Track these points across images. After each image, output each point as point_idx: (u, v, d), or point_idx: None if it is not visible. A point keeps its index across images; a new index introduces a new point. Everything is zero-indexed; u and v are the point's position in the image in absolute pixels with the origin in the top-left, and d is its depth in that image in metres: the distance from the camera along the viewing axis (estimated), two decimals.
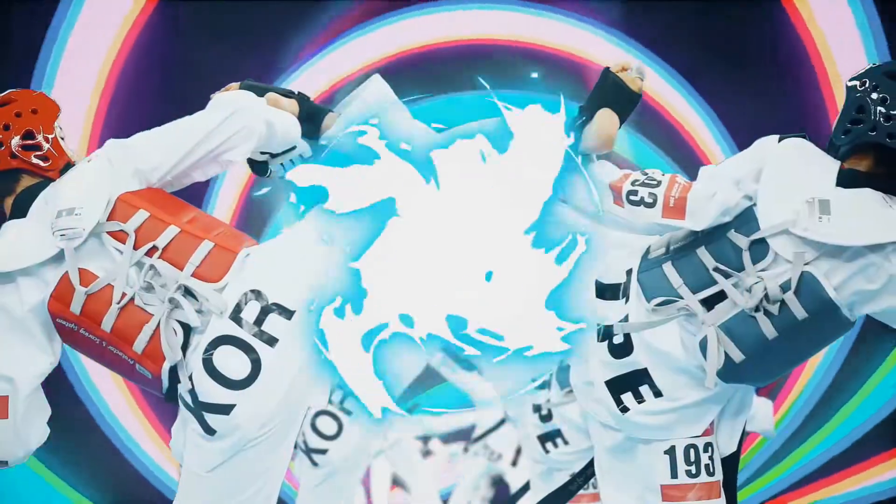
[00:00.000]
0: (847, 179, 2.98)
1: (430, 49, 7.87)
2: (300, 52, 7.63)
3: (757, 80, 7.45)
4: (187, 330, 2.97)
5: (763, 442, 7.10)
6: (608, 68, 3.25)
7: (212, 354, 2.94)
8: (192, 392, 2.96)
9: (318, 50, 7.70)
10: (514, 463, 7.90)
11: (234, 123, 3.08)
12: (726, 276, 3.02)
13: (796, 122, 7.15)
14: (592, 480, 3.50)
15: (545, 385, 5.26)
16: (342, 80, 7.56)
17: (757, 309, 2.98)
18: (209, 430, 2.97)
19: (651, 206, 3.10)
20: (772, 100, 7.36)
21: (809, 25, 7.54)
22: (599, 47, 7.61)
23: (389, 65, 7.67)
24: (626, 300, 3.16)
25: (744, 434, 3.24)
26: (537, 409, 5.23)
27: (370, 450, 6.55)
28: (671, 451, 3.12)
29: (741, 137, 7.32)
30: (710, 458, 3.13)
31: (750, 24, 7.57)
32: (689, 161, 7.36)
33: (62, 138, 3.17)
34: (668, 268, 3.10)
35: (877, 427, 7.40)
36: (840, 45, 7.45)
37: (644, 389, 3.12)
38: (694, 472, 3.12)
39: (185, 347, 2.96)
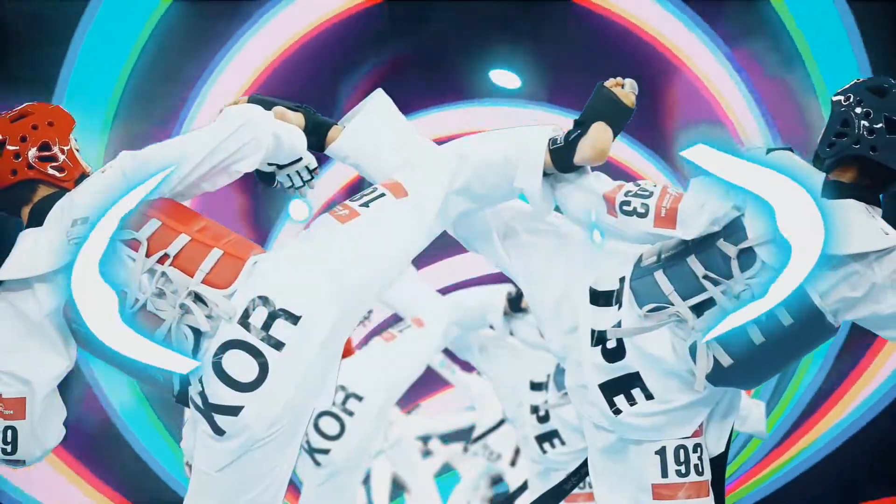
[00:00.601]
0: (831, 191, 3.05)
1: None
2: None
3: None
4: (197, 334, 3.02)
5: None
6: (602, 83, 3.31)
7: (221, 358, 2.99)
8: (202, 394, 3.02)
9: None
10: (513, 463, 7.93)
11: (242, 136, 3.13)
12: (715, 283, 3.09)
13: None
14: (588, 479, 3.57)
15: (543, 387, 5.33)
16: None
17: None
18: (218, 431, 3.03)
19: (643, 216, 3.16)
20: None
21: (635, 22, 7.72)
22: None
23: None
24: (619, 306, 3.23)
25: (732, 435, 3.32)
26: (535, 410, 5.26)
27: (371, 450, 6.58)
28: (662, 452, 3.20)
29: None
30: (700, 458, 3.21)
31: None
32: None
33: (77, 150, 3.23)
34: (660, 275, 3.18)
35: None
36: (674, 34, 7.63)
37: (636, 392, 3.19)
38: (684, 471, 3.19)
39: (195, 351, 3.02)
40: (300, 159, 3.34)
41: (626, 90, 3.30)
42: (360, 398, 5.21)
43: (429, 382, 7.71)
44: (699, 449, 3.22)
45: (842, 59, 6.66)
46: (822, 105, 6.54)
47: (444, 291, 5.73)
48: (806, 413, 7.59)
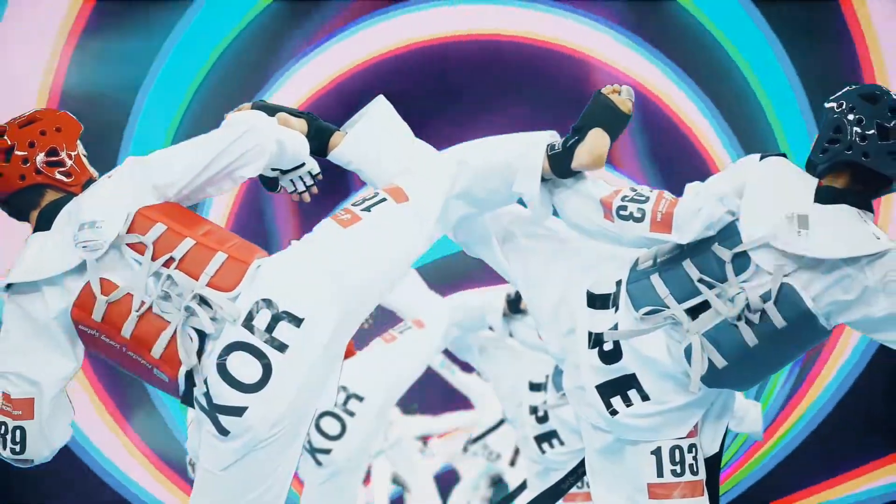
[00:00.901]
0: (825, 196, 3.10)
1: (433, 44, 8.01)
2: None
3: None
4: (202, 336, 3.06)
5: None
6: (600, 90, 3.36)
7: (225, 359, 3.04)
8: (207, 395, 3.06)
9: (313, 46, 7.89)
10: (513, 463, 7.95)
11: (246, 142, 3.17)
12: (710, 286, 3.13)
13: None
14: (585, 479, 3.61)
15: (542, 388, 5.37)
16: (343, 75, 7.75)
17: (739, 318, 3.09)
18: (223, 431, 3.08)
19: (639, 220, 3.20)
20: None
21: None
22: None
23: (388, 60, 7.82)
24: (616, 309, 3.26)
25: (726, 435, 3.36)
26: (534, 410, 5.31)
27: (371, 450, 6.61)
28: (657, 452, 3.24)
29: None
30: (694, 458, 3.25)
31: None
32: None
33: (84, 155, 3.28)
34: (656, 279, 3.21)
35: None
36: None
37: (632, 393, 3.23)
38: (679, 471, 3.22)
39: (200, 353, 3.06)
40: (303, 165, 3.38)
41: (622, 97, 3.35)
42: (360, 399, 5.24)
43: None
44: (694, 449, 3.26)
45: (768, 62, 6.70)
46: (763, 108, 6.55)
47: None
48: (788, 397, 7.67)
